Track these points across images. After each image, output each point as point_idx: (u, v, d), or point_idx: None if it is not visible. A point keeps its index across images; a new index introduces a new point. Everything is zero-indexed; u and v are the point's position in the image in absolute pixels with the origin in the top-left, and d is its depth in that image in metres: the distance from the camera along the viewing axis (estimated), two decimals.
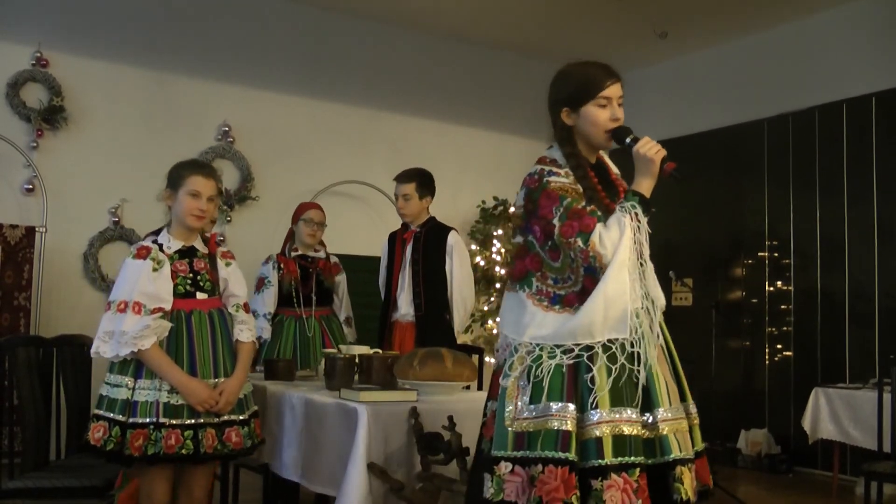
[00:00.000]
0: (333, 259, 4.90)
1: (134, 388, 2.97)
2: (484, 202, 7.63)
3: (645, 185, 2.33)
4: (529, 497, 2.17)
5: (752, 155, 7.24)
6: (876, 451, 4.60)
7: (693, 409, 2.38)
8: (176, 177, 3.16)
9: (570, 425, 2.18)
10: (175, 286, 3.08)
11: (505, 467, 2.22)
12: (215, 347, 3.09)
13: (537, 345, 2.29)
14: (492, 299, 7.41)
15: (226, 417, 3.04)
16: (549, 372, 2.24)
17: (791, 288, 6.91)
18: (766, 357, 7.04)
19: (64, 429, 3.63)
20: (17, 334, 5.26)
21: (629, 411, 2.20)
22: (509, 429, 2.26)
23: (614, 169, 2.58)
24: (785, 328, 6.93)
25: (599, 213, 2.30)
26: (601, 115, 2.38)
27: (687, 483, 2.18)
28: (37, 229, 5.71)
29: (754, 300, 7.18)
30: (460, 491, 2.78)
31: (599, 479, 2.13)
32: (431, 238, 4.55)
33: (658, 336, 2.32)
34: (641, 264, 2.30)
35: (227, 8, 6.72)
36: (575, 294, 2.29)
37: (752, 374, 7.13)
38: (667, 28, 7.19)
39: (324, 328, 4.73)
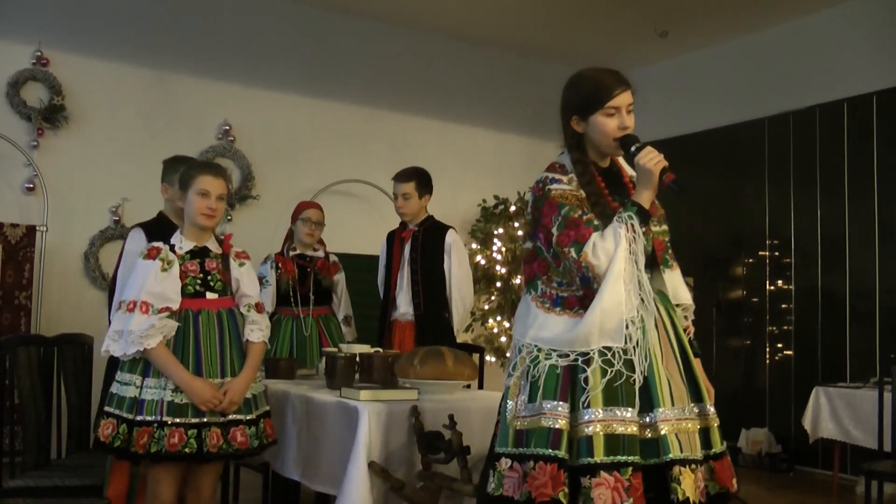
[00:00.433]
0: (333, 258, 4.90)
1: (142, 387, 2.99)
2: (484, 201, 7.62)
3: (644, 196, 2.34)
4: (522, 492, 2.23)
5: (753, 154, 7.24)
6: (876, 450, 4.60)
7: (711, 409, 2.36)
8: (186, 178, 3.19)
9: (561, 424, 2.22)
10: (184, 286, 3.09)
11: (505, 463, 2.29)
12: (223, 347, 3.10)
13: (535, 345, 2.36)
14: (492, 298, 7.42)
15: (232, 417, 3.03)
16: (544, 372, 2.30)
17: (792, 287, 6.91)
18: (767, 356, 7.04)
19: (65, 428, 3.63)
20: (17, 333, 5.26)
21: (624, 411, 2.21)
22: (510, 426, 2.33)
23: (630, 172, 2.57)
24: (785, 327, 6.93)
25: (597, 223, 2.32)
26: (609, 124, 2.39)
27: (687, 484, 2.17)
28: (37, 228, 5.71)
29: (755, 299, 7.18)
30: (461, 490, 2.78)
31: (588, 476, 2.15)
32: (430, 237, 4.56)
33: (672, 337, 2.37)
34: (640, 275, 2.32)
35: (227, 7, 6.72)
36: (576, 297, 2.33)
37: (753, 372, 7.12)
38: (667, 27, 7.18)
39: (321, 327, 4.73)
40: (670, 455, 2.19)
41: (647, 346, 2.27)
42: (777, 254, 7.04)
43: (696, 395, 2.36)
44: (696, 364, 2.48)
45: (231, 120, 6.62)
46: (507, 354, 2.54)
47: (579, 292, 2.33)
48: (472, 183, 7.69)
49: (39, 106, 5.86)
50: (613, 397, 2.21)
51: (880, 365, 6.04)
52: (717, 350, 7.19)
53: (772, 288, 7.06)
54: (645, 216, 2.33)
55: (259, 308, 3.23)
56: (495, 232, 7.46)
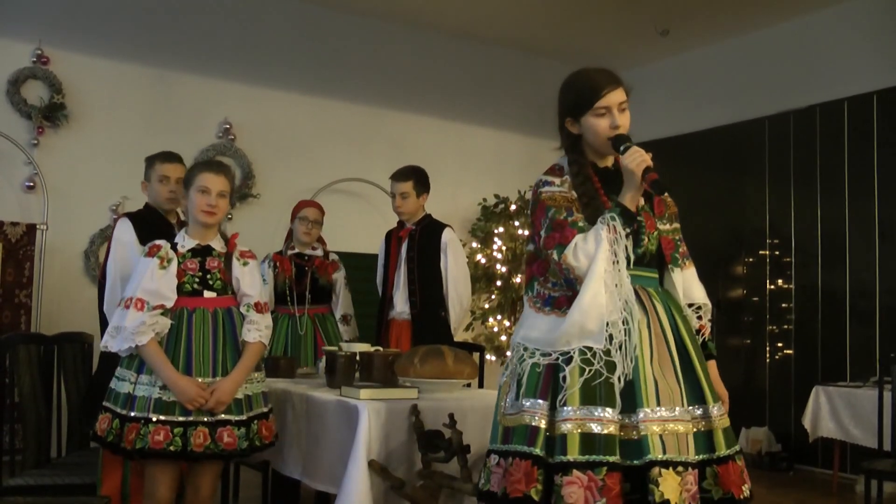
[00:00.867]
0: (333, 257, 4.90)
1: (135, 383, 2.99)
2: (485, 200, 7.63)
3: (628, 197, 2.33)
4: (501, 487, 2.26)
5: (753, 153, 7.24)
6: (876, 449, 4.61)
7: (715, 410, 2.32)
8: (188, 177, 3.19)
9: (538, 421, 2.24)
10: (182, 284, 3.08)
11: (493, 459, 2.33)
12: (216, 346, 3.08)
13: (523, 345, 2.38)
14: (493, 297, 7.42)
15: (221, 417, 3.00)
16: (527, 370, 2.32)
17: (792, 286, 6.91)
18: (767, 355, 7.04)
19: (65, 426, 3.63)
20: (17, 332, 5.27)
21: (602, 411, 2.19)
22: (499, 424, 2.36)
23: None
24: (786, 326, 6.93)
25: (582, 225, 2.33)
26: (600, 124, 2.38)
27: (667, 486, 2.12)
28: (38, 227, 5.71)
29: (755, 298, 7.18)
30: (461, 489, 2.78)
31: (561, 474, 2.16)
32: (427, 236, 4.56)
33: (669, 337, 2.34)
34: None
35: (228, 5, 6.71)
36: (566, 297, 2.34)
37: (753, 372, 7.13)
38: (668, 26, 7.18)
39: (317, 326, 4.72)
40: (649, 456, 2.15)
41: (632, 347, 2.25)
42: (777, 253, 7.04)
43: (696, 397, 2.32)
44: (709, 366, 2.46)
45: (231, 118, 6.62)
46: (508, 353, 2.54)
47: (570, 292, 2.33)
48: (472, 182, 7.69)
49: (40, 104, 5.86)
50: (591, 397, 2.21)
51: (880, 364, 6.04)
52: (716, 349, 7.19)
53: (772, 287, 7.06)
54: (629, 216, 2.31)
55: (260, 308, 3.19)
56: (495, 231, 7.46)
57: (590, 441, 2.17)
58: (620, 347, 2.24)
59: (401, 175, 4.56)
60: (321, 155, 7.03)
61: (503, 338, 7.30)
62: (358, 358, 3.47)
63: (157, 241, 3.15)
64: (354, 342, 4.15)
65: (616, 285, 2.26)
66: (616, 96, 2.38)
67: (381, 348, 3.67)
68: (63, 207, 5.89)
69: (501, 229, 7.45)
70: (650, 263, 2.45)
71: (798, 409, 6.23)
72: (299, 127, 6.98)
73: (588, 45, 7.56)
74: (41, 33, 5.95)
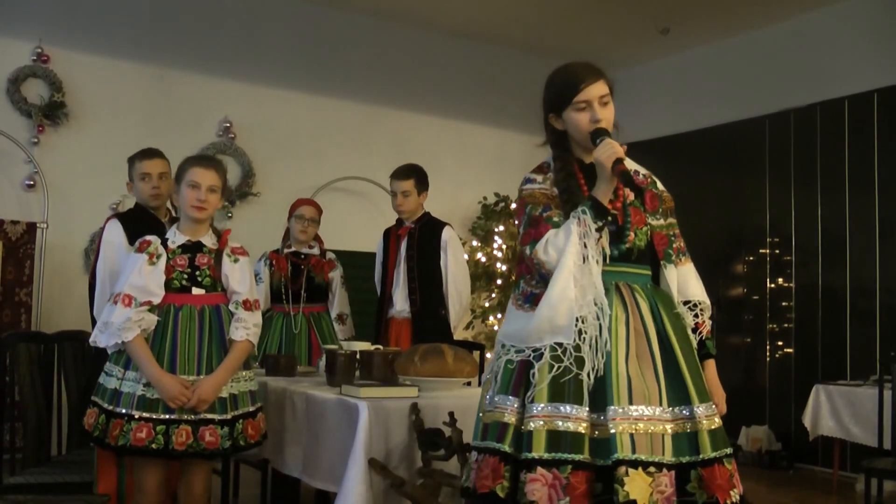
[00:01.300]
0: (330, 255, 4.90)
1: (122, 379, 2.98)
2: (485, 198, 7.63)
3: (601, 190, 2.30)
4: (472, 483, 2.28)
5: (754, 151, 7.23)
6: (876, 447, 4.61)
7: (701, 411, 2.23)
8: (179, 172, 3.16)
9: (508, 417, 2.23)
10: (171, 280, 3.06)
11: (473, 456, 2.32)
12: (202, 344, 3.04)
13: (501, 342, 2.37)
14: (493, 295, 7.42)
15: (204, 415, 2.97)
16: (501, 367, 2.32)
17: (792, 284, 6.91)
18: (767, 354, 7.04)
19: (65, 424, 3.63)
20: (18, 330, 5.26)
21: (570, 407, 2.17)
22: (480, 420, 2.36)
23: (633, 167, 2.48)
24: (786, 325, 6.93)
25: (557, 220, 2.31)
26: (581, 118, 2.36)
27: (634, 486, 2.06)
28: (38, 225, 5.71)
29: (755, 297, 7.18)
30: (460, 487, 2.78)
31: (524, 471, 2.14)
32: (426, 234, 4.56)
33: (651, 334, 2.29)
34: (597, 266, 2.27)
35: (228, 4, 6.71)
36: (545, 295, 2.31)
37: (753, 370, 7.13)
38: (668, 24, 7.18)
39: (311, 325, 4.72)
40: (616, 455, 2.10)
41: (603, 344, 2.21)
42: (777, 251, 7.04)
43: (679, 397, 2.24)
44: (706, 365, 2.42)
45: (232, 117, 6.62)
46: None
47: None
48: (472, 180, 7.69)
49: (40, 102, 5.86)
50: (559, 393, 2.18)
51: (880, 363, 6.04)
52: (717, 347, 7.19)
53: (772, 285, 7.06)
54: (600, 210, 2.27)
55: (248, 305, 3.14)
56: (496, 229, 7.47)
57: (556, 438, 2.14)
58: (591, 343, 2.20)
59: (402, 173, 4.57)
60: (321, 153, 7.03)
61: None
62: (358, 356, 3.47)
63: (148, 237, 3.13)
64: (355, 340, 4.15)
65: (591, 280, 2.23)
66: (596, 90, 2.36)
67: (380, 347, 3.68)
68: (63, 206, 5.89)
69: (501, 228, 7.45)
70: (639, 259, 2.40)
71: (798, 408, 6.23)
72: (299, 125, 6.98)
73: (588, 43, 7.55)
74: (41, 32, 5.95)
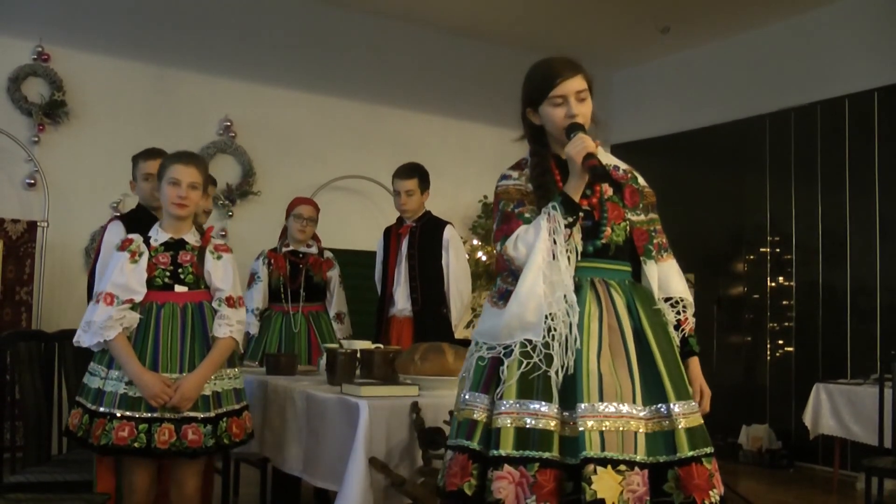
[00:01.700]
0: (327, 254, 4.90)
1: (105, 378, 2.97)
2: (486, 197, 7.62)
3: (572, 185, 2.26)
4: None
5: (754, 150, 7.23)
6: (877, 446, 4.61)
7: (678, 408, 2.17)
8: (160, 169, 3.14)
9: (477, 415, 2.22)
10: (153, 278, 3.04)
11: (448, 455, 2.30)
12: (184, 342, 3.02)
13: (475, 339, 2.36)
14: None
15: (187, 414, 2.95)
16: (473, 364, 2.31)
17: (792, 283, 6.91)
18: (768, 352, 7.04)
19: (65, 424, 3.63)
20: (18, 329, 5.27)
21: (538, 404, 2.14)
22: (455, 419, 2.34)
23: (612, 162, 2.47)
24: (786, 323, 6.93)
25: (528, 216, 2.29)
26: (556, 113, 2.34)
27: (602, 485, 2.02)
28: (38, 224, 5.71)
29: (756, 295, 7.18)
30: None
31: (492, 469, 2.12)
32: (427, 233, 4.56)
33: (626, 330, 2.25)
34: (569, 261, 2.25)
35: (228, 3, 6.71)
36: None
37: (754, 369, 7.13)
38: (668, 23, 7.18)
39: (310, 324, 4.72)
40: (584, 453, 2.06)
41: (572, 341, 2.17)
42: (778, 250, 7.04)
43: (655, 395, 2.19)
44: (690, 363, 2.38)
45: (232, 116, 6.62)
46: None
47: None
48: (473, 179, 7.68)
49: (40, 101, 5.86)
50: (528, 390, 2.15)
51: (881, 361, 6.04)
52: (717, 346, 7.20)
53: (773, 284, 7.06)
54: (571, 206, 2.24)
55: (231, 302, 3.11)
56: None
57: (524, 436, 2.11)
58: (560, 340, 2.17)
59: (405, 172, 4.56)
60: (322, 152, 7.03)
61: None
62: (358, 355, 3.47)
63: (131, 235, 3.13)
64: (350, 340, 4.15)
65: (562, 277, 2.20)
66: (573, 84, 2.33)
67: (381, 345, 3.68)
68: (64, 204, 5.89)
69: None
70: (617, 255, 2.36)
71: (799, 407, 6.23)
72: (300, 124, 6.97)
73: (589, 42, 7.55)
74: (42, 31, 5.94)
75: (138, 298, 3.01)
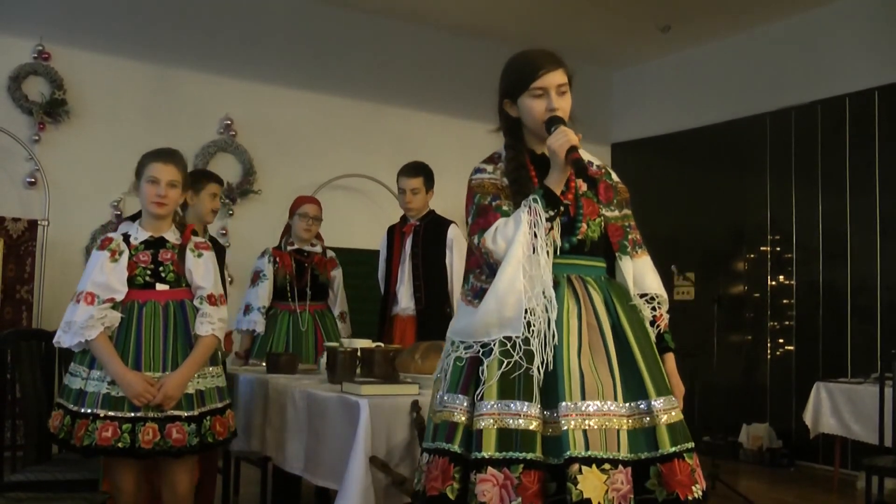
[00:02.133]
0: (330, 254, 4.90)
1: (87, 379, 2.96)
2: None
3: (553, 179, 2.24)
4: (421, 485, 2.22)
5: (754, 149, 7.23)
6: (877, 445, 4.61)
7: (659, 405, 2.16)
8: (138, 167, 3.13)
9: (457, 417, 2.18)
10: (134, 277, 3.03)
11: (424, 458, 2.26)
12: (166, 340, 3.01)
13: (450, 338, 2.32)
14: None
15: (170, 413, 2.93)
16: (450, 365, 2.26)
17: (793, 282, 6.91)
18: (768, 351, 7.04)
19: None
20: (19, 328, 5.27)
21: (520, 404, 2.10)
22: (431, 421, 2.30)
23: (586, 158, 2.41)
24: (787, 322, 6.93)
25: (506, 209, 2.26)
26: (536, 106, 2.30)
27: (587, 484, 1.99)
28: (39, 222, 5.71)
29: (756, 294, 7.18)
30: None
31: (474, 472, 2.08)
32: (431, 231, 4.56)
33: (604, 327, 2.22)
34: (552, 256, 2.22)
35: (229, 2, 6.70)
36: None
37: (754, 368, 7.13)
38: (669, 22, 7.18)
39: (317, 323, 4.73)
40: (568, 452, 2.03)
41: (551, 336, 2.15)
42: (778, 249, 7.04)
43: (636, 392, 2.18)
44: (666, 359, 2.35)
45: (233, 114, 6.62)
46: None
47: None
48: None
49: (41, 100, 5.86)
50: (509, 390, 2.12)
51: (881, 360, 6.04)
52: (718, 345, 7.19)
53: (773, 283, 7.06)
54: (552, 199, 2.21)
55: (213, 300, 3.10)
56: None
57: (507, 437, 2.07)
58: (539, 337, 2.13)
59: (411, 171, 4.56)
60: (322, 151, 7.03)
61: None
62: (359, 354, 3.47)
63: (110, 234, 3.13)
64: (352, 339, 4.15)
65: (541, 271, 2.17)
66: (554, 78, 2.30)
67: (381, 344, 3.68)
68: (64, 203, 5.89)
69: None
70: (592, 251, 2.34)
71: (799, 406, 6.23)
72: (300, 123, 6.97)
73: (589, 41, 7.55)
74: (42, 29, 5.94)
75: (119, 297, 3.00)
